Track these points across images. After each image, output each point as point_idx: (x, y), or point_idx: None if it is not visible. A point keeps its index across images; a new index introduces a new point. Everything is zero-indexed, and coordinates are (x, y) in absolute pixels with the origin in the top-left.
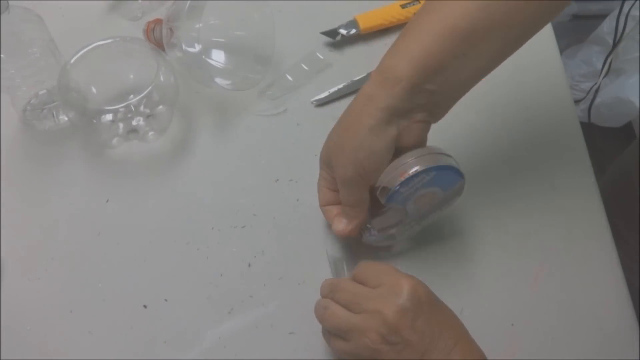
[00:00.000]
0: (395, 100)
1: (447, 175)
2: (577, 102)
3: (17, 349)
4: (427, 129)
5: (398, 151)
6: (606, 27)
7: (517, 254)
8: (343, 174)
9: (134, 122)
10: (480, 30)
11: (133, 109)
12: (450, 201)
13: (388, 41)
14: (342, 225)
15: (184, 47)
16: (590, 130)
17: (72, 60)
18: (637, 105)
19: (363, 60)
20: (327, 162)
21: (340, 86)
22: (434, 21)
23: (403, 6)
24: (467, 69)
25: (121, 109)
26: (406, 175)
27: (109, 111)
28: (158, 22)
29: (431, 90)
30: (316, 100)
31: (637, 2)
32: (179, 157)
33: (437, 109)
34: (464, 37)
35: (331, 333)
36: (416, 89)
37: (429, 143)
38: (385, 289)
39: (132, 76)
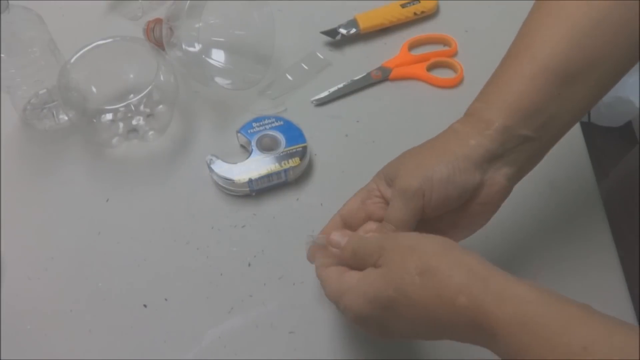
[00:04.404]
0: (487, 140)
1: (295, 134)
2: None
3: (17, 349)
4: (505, 194)
5: (464, 209)
6: None
7: (517, 253)
8: (407, 184)
9: (134, 122)
10: (574, 68)
11: (133, 108)
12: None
13: (388, 40)
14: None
15: (184, 46)
16: (590, 130)
17: (72, 60)
18: (637, 105)
19: (363, 59)
20: (389, 174)
21: (340, 85)
22: (524, 63)
23: (403, 6)
24: (563, 110)
25: (121, 109)
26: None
27: (108, 111)
28: (158, 21)
29: (525, 136)
30: (316, 100)
31: None
32: (179, 156)
33: (528, 161)
34: (557, 77)
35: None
36: (509, 131)
37: None
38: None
39: (132, 76)
